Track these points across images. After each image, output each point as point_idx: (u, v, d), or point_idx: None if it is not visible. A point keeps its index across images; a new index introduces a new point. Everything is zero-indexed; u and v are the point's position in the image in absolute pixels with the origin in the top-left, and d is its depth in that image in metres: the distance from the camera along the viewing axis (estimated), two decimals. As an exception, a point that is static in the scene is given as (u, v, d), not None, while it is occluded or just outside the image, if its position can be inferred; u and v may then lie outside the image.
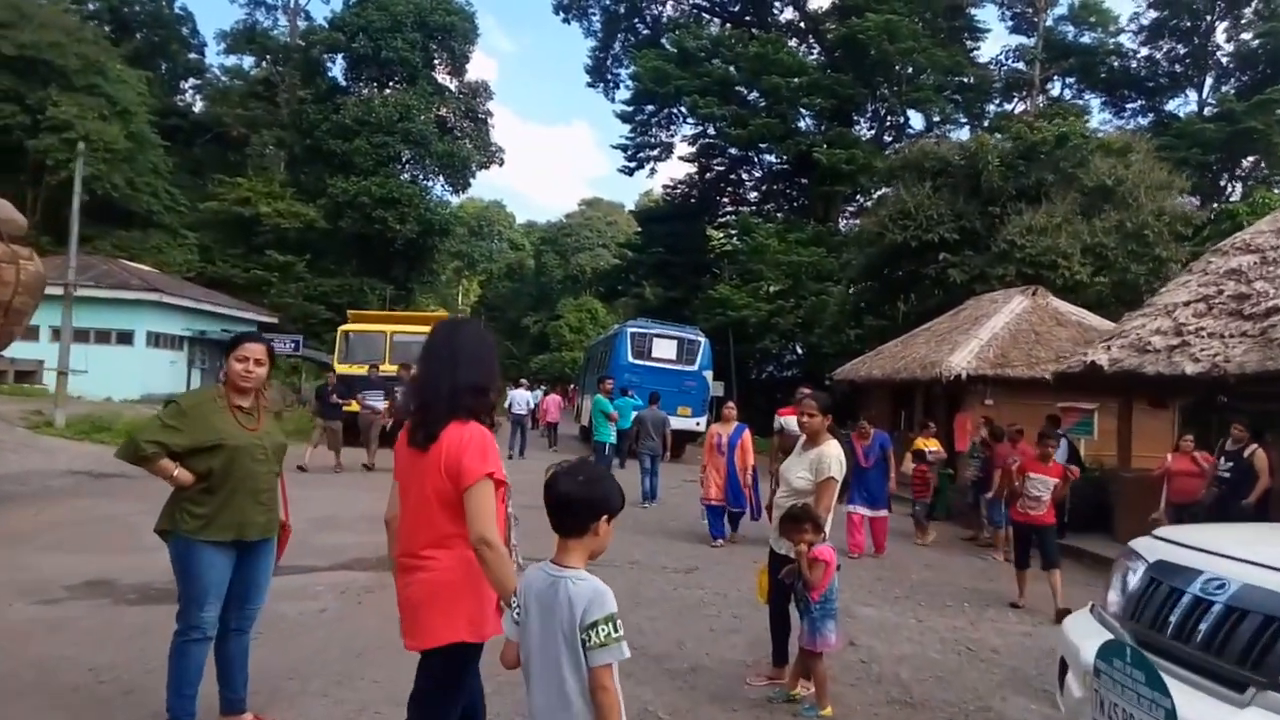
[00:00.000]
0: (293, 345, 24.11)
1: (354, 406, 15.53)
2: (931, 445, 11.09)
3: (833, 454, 4.56)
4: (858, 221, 30.97)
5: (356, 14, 41.05)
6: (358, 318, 20.74)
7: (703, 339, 21.51)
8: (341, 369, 18.29)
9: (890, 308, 24.21)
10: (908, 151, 26.51)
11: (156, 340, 25.34)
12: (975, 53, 39.31)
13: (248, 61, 45.76)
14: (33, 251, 7.70)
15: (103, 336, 24.27)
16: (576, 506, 2.22)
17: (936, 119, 37.94)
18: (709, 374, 21.24)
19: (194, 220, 37.80)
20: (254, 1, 45.66)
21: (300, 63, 42.50)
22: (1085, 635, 3.19)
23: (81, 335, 23.81)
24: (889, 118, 39.47)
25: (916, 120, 39.07)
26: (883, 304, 25.00)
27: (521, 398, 20.46)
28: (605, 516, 2.26)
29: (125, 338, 24.48)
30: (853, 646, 5.63)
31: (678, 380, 20.07)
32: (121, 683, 4.17)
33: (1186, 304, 9.75)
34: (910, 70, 34.87)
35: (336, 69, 43.87)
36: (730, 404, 9.89)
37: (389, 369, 17.74)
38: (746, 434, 9.52)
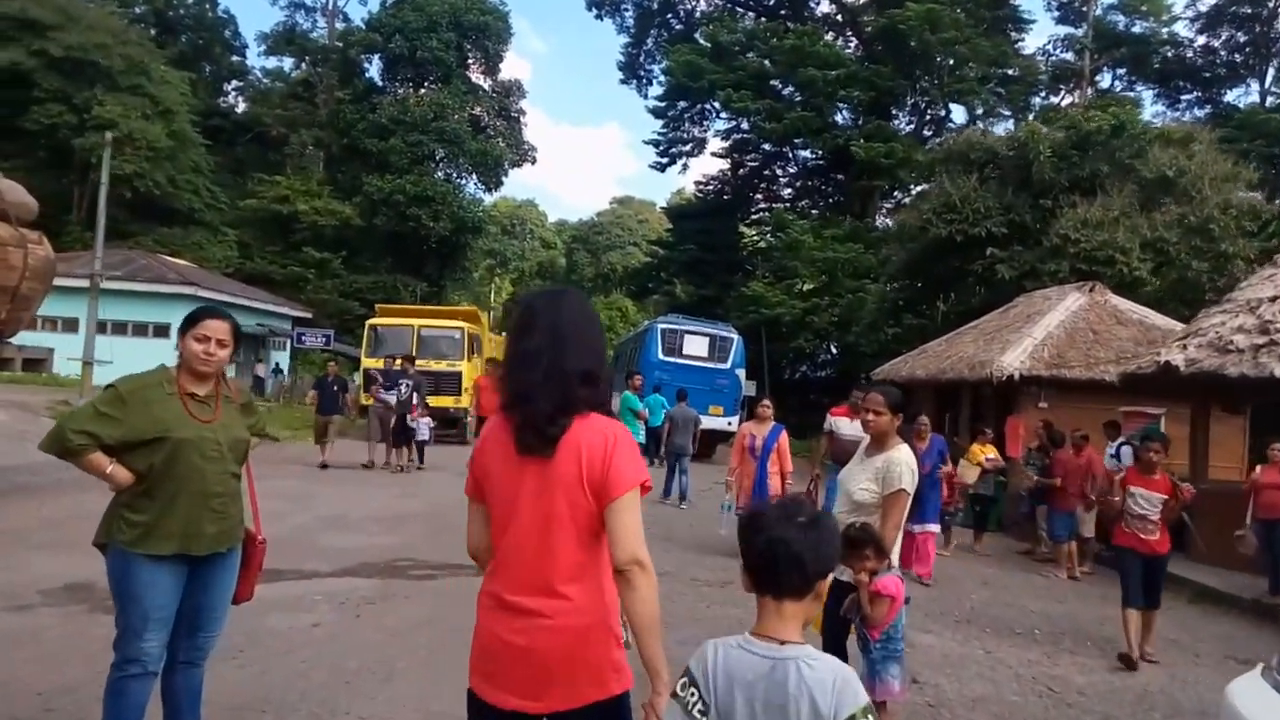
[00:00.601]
0: (324, 339, 23.92)
1: (369, 400, 14.94)
2: (989, 452, 10.30)
3: (903, 461, 3.80)
4: (895, 218, 30.12)
5: (393, 15, 41.34)
6: (385, 311, 20.44)
7: (735, 336, 20.83)
8: (369, 363, 18.00)
9: (931, 306, 23.36)
10: (952, 142, 25.59)
11: (193, 334, 25.33)
12: (1020, 44, 38.11)
13: (288, 63, 46.24)
14: (42, 236, 7.30)
15: (140, 329, 24.45)
16: (801, 559, 1.66)
17: (980, 112, 36.78)
18: (742, 372, 20.56)
19: (234, 218, 38.34)
20: (294, 4, 46.07)
21: (338, 63, 42.70)
22: (1267, 712, 2.47)
23: (119, 328, 24.06)
24: (929, 111, 38.45)
25: (958, 114, 38.05)
26: (924, 301, 24.12)
27: None
28: (830, 573, 1.73)
29: (161, 331, 24.44)
30: (917, 685, 4.90)
31: (709, 378, 19.41)
32: (70, 712, 3.65)
33: (1273, 299, 8.91)
34: (951, 62, 33.83)
35: (373, 69, 44.24)
36: (766, 402, 8.86)
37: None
38: (784, 436, 8.57)
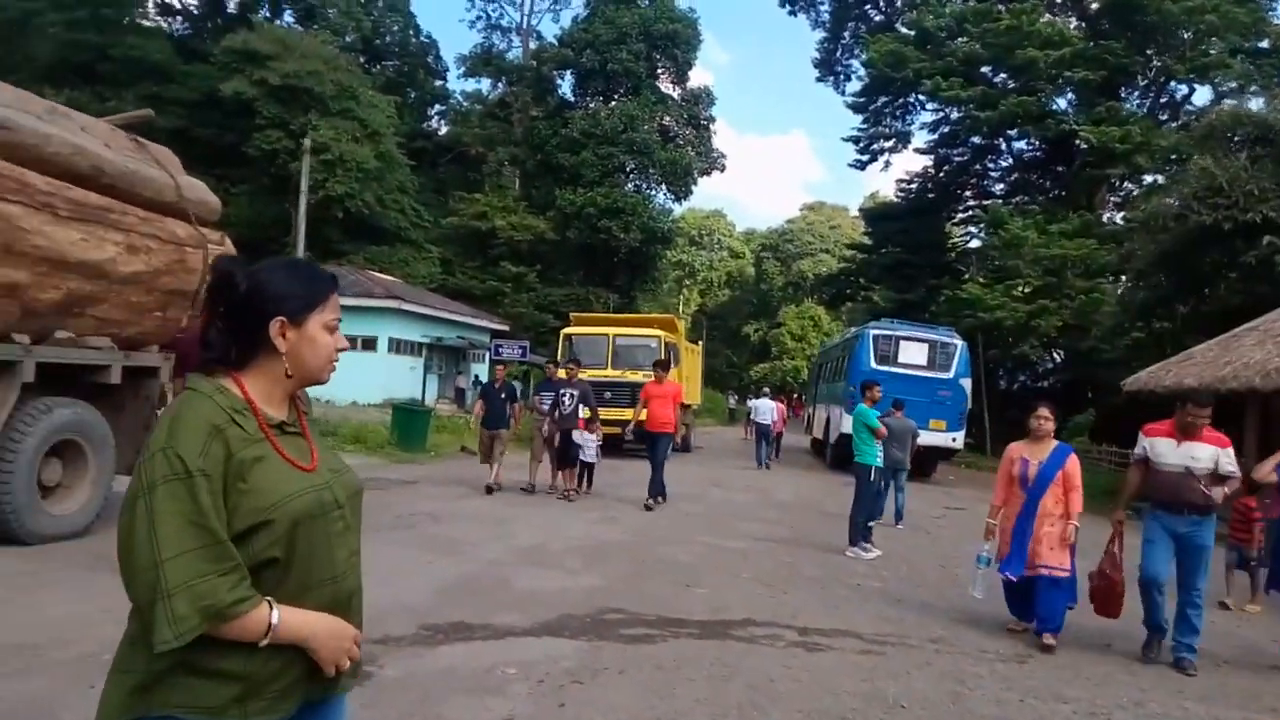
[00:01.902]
0: (520, 351, 23.88)
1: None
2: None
3: None
4: (1140, 207, 26.69)
5: (584, 29, 42.05)
6: (579, 320, 19.98)
7: (959, 341, 18.72)
8: (562, 374, 17.52)
9: (1187, 305, 20.33)
10: (1215, 118, 22.17)
11: (397, 347, 26.10)
12: (1271, 12, 32.99)
13: (485, 84, 47.97)
14: (224, 236, 6.92)
15: (349, 342, 25.25)
16: None
17: (1230, 87, 32.09)
18: (967, 382, 18.45)
19: (437, 235, 40.12)
20: (490, 26, 47.91)
21: (532, 80, 43.79)
22: None
23: (328, 343, 25.07)
24: (1164, 91, 34.17)
25: (1199, 95, 33.54)
26: (1178, 300, 20.99)
27: (766, 407, 20.11)
28: None
29: (369, 344, 25.33)
30: None
31: (930, 389, 17.47)
32: None
33: None
34: (1189, 35, 29.87)
35: (565, 85, 45.01)
36: (1045, 411, 6.06)
37: (606, 373, 16.68)
38: (1074, 462, 5.93)
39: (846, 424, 17.13)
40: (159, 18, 40.77)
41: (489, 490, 11.10)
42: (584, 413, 11.46)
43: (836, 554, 8.47)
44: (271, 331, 1.62)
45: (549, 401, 11.65)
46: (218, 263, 1.69)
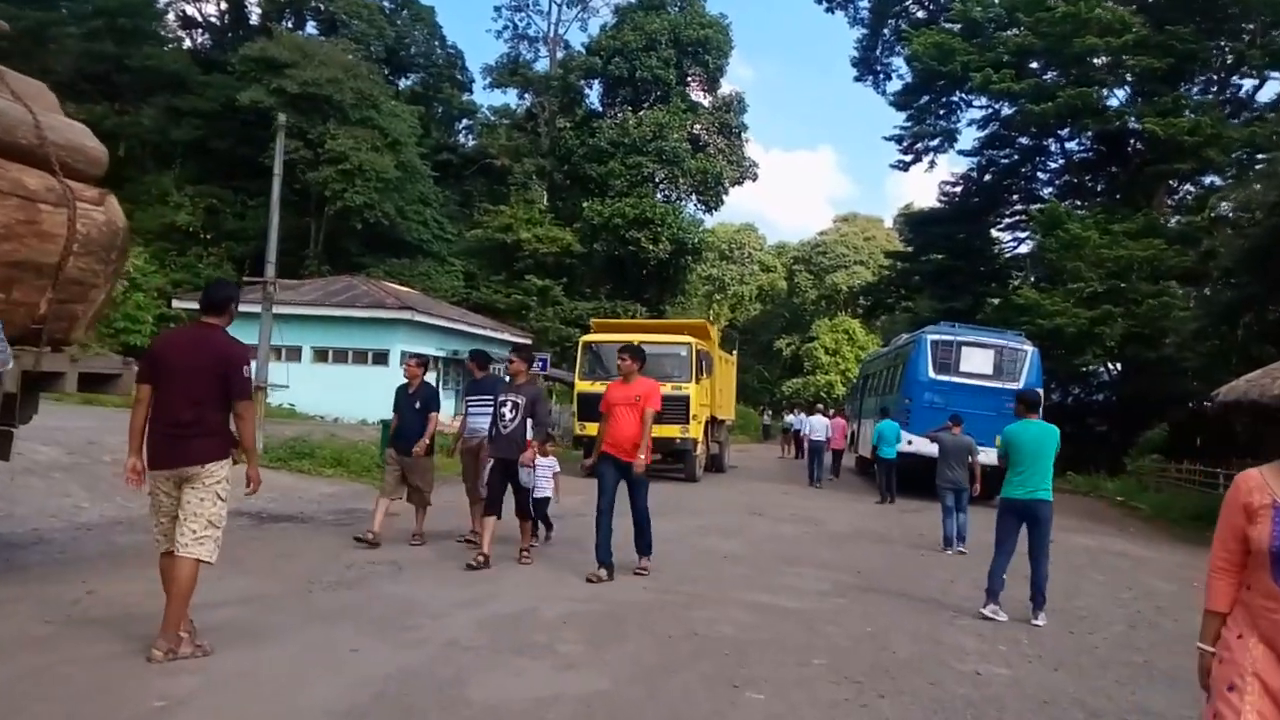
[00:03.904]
0: (540, 364, 22.33)
1: (453, 428, 9.64)
2: None
3: None
4: (1178, 217, 24.59)
5: (612, 36, 41.06)
6: (601, 327, 18.35)
7: (1029, 347, 16.68)
8: (583, 386, 15.76)
9: (1253, 310, 18.40)
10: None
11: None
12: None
13: (512, 95, 46.96)
14: (105, 195, 5.18)
15: (360, 356, 23.96)
16: None
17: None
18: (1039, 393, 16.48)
19: (461, 248, 39.08)
20: (517, 36, 46.99)
21: (559, 90, 42.60)
22: None
23: (340, 355, 23.78)
24: (1228, 85, 32.06)
25: (1268, 88, 31.45)
26: (1269, 302, 18.94)
27: (821, 424, 19.20)
28: None
29: (380, 358, 23.88)
30: None
31: (996, 401, 15.40)
32: None
33: None
34: (1257, 23, 27.89)
35: (593, 95, 43.90)
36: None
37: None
38: None
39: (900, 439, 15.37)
40: (181, 31, 40.22)
41: (367, 542, 7.55)
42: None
43: (928, 610, 6.53)
44: None
45: (480, 413, 8.11)
46: None
